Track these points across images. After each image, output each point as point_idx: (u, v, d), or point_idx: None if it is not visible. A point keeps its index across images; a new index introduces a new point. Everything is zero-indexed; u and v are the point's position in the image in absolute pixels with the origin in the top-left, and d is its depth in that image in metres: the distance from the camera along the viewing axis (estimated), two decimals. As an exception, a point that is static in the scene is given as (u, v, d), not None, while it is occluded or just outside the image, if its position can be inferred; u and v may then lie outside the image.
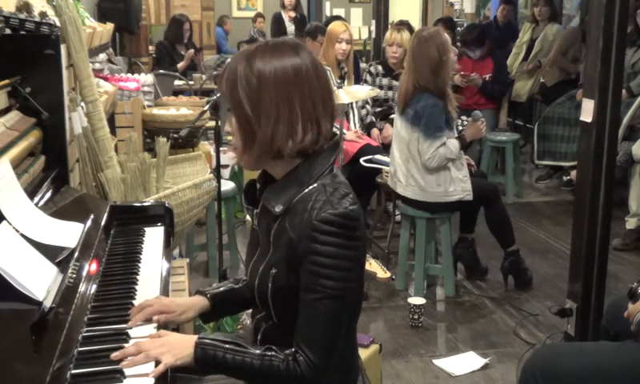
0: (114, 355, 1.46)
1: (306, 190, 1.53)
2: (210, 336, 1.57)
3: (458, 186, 3.72)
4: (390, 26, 6.18)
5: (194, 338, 1.53)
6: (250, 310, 1.80)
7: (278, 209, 1.55)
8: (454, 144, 3.70)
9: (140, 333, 1.59)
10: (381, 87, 5.12)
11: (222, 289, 1.81)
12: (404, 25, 5.48)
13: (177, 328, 1.99)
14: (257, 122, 1.51)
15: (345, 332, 1.56)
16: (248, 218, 4.50)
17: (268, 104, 1.50)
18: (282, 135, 1.50)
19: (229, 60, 1.62)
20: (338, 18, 6.90)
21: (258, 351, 1.51)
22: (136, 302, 1.73)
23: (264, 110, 1.50)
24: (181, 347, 1.51)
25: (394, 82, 5.11)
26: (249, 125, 1.52)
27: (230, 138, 1.60)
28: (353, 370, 1.68)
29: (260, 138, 1.51)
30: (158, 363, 1.46)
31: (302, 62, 1.53)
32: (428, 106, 3.65)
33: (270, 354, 1.51)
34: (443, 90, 3.70)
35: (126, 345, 1.51)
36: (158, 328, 1.63)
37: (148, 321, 1.64)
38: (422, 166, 3.70)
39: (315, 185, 1.53)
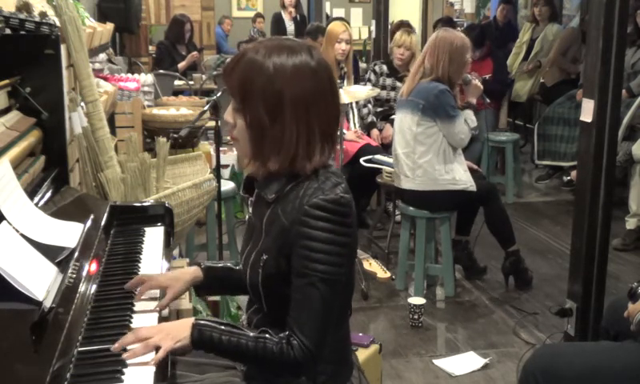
0: (114, 347, 1.48)
1: (298, 179, 1.55)
2: (206, 318, 1.59)
3: (463, 175, 3.75)
4: (390, 26, 6.18)
5: (191, 320, 1.56)
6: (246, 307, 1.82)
7: (271, 196, 1.58)
8: (467, 114, 3.80)
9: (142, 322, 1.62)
10: (384, 87, 5.12)
11: (218, 265, 1.85)
12: (404, 25, 5.49)
13: (177, 315, 2.02)
14: (272, 140, 1.51)
15: (336, 320, 1.58)
16: (248, 217, 4.49)
17: (289, 126, 1.50)
18: (302, 157, 1.53)
19: (228, 60, 1.62)
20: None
21: (252, 334, 1.54)
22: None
23: (284, 132, 1.50)
24: (178, 330, 1.53)
25: (398, 83, 5.11)
26: (262, 134, 1.52)
27: (231, 135, 1.60)
28: (347, 365, 1.69)
29: (280, 159, 1.53)
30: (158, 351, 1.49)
31: (320, 78, 1.53)
32: (437, 92, 3.68)
33: (264, 336, 1.52)
34: (452, 82, 3.74)
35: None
36: (159, 320, 1.66)
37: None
38: (432, 155, 3.71)
39: (307, 173, 1.56)
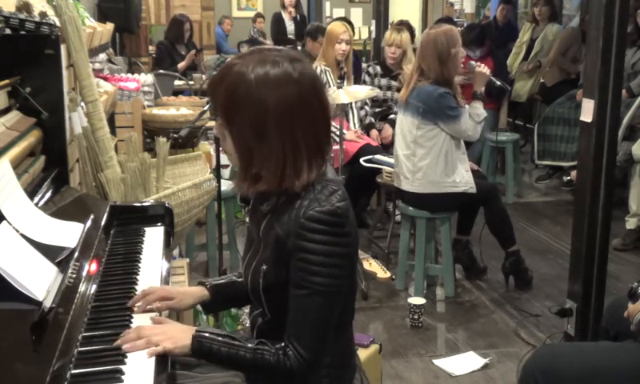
0: (117, 343, 1.49)
1: (291, 191, 1.54)
2: (207, 329, 1.60)
3: (464, 177, 3.74)
4: (389, 26, 6.18)
5: (193, 329, 1.57)
6: (249, 309, 1.82)
7: (266, 207, 1.58)
8: (475, 106, 3.77)
9: (142, 322, 1.62)
10: (379, 87, 5.12)
11: (222, 281, 1.85)
12: (404, 25, 5.48)
13: (177, 316, 2.01)
14: (259, 158, 1.51)
15: (337, 327, 1.58)
16: (247, 225, 4.50)
17: (275, 143, 1.49)
18: (290, 176, 1.51)
19: (225, 62, 1.61)
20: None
21: (250, 345, 1.55)
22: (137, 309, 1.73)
23: (270, 149, 1.50)
24: (179, 337, 1.55)
25: (393, 82, 5.11)
26: (249, 153, 1.52)
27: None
28: (350, 368, 1.70)
29: (268, 178, 1.52)
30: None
31: (303, 88, 1.50)
32: (437, 95, 3.66)
33: (262, 347, 1.54)
34: (449, 81, 3.71)
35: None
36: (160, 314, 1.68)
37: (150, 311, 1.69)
38: (432, 158, 3.70)
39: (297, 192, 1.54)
